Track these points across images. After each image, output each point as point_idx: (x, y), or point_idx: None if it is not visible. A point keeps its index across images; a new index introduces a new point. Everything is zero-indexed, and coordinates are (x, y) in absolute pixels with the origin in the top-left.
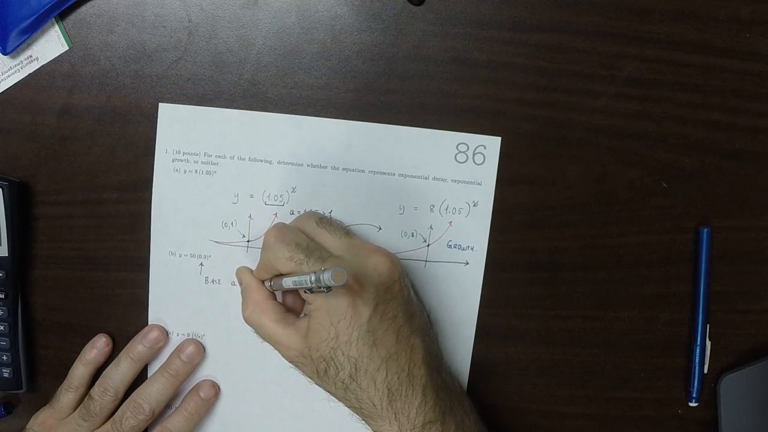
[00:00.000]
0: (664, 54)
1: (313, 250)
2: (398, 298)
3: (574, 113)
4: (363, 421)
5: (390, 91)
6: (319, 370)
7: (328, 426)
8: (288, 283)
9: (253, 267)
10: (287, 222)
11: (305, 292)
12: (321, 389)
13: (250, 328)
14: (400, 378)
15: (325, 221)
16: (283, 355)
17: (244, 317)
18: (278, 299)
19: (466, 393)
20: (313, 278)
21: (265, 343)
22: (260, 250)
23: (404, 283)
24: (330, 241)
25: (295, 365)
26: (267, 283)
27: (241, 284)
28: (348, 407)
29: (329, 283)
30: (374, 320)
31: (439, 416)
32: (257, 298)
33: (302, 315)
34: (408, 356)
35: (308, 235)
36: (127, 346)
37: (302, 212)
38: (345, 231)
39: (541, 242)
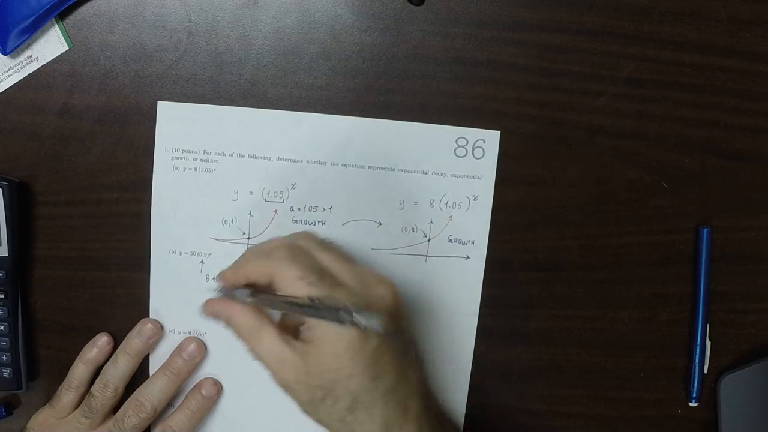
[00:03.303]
0: (664, 54)
1: (325, 275)
2: (399, 328)
3: (574, 113)
4: None
5: (390, 91)
6: (315, 398)
7: None
8: (297, 308)
9: None
10: (258, 242)
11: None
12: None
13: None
14: (396, 412)
15: (327, 245)
16: (276, 378)
17: (242, 336)
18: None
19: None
20: (345, 316)
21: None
22: (254, 250)
23: (403, 313)
24: (335, 267)
25: (288, 390)
26: (241, 293)
27: (218, 316)
28: None
29: (374, 328)
30: (378, 352)
31: None
32: (251, 317)
33: (300, 338)
34: (405, 389)
35: (313, 257)
36: (123, 342)
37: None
38: (348, 257)
39: (541, 242)
